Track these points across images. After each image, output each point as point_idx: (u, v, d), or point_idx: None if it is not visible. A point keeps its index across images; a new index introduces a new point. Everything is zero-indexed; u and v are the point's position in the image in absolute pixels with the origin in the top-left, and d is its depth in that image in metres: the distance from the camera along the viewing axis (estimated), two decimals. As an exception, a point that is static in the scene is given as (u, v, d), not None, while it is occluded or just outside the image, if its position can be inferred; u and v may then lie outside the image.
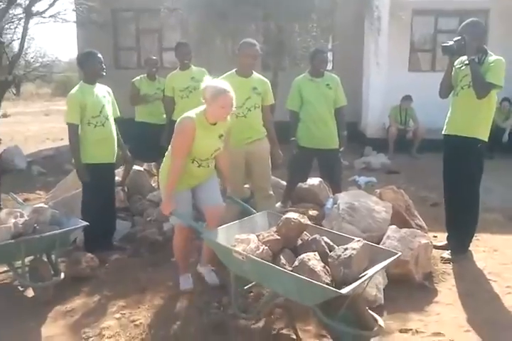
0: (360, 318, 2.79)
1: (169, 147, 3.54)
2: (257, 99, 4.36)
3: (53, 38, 74.55)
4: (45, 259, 3.91)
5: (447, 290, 3.76)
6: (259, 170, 4.50)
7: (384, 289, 3.54)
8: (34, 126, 15.22)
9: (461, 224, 4.29)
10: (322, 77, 5.15)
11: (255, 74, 4.46)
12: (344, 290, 2.51)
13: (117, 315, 3.48)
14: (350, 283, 2.64)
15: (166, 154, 3.61)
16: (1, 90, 9.68)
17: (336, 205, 4.39)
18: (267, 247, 2.95)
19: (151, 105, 6.20)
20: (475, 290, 3.74)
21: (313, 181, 5.45)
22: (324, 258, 2.85)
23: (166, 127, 5.82)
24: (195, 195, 3.70)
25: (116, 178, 5.58)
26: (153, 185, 6.40)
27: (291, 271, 2.78)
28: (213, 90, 3.30)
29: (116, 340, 3.18)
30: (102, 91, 4.49)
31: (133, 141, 6.10)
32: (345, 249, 2.80)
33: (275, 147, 4.61)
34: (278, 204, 5.16)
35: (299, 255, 2.87)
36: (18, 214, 4.02)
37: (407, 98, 9.37)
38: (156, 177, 6.60)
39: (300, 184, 5.39)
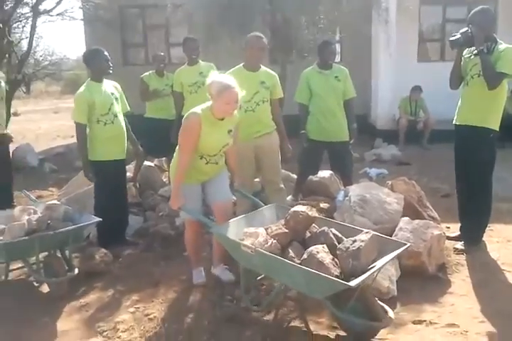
0: (370, 309, 2.80)
1: None
2: (266, 93, 4.35)
3: (61, 36, 74.85)
4: (59, 255, 3.95)
5: (461, 281, 3.74)
6: (269, 164, 4.49)
7: (397, 281, 3.53)
8: (44, 123, 15.34)
9: (474, 214, 4.25)
10: (330, 69, 5.13)
11: (263, 68, 4.44)
12: (353, 283, 2.51)
13: (131, 309, 3.51)
14: (359, 275, 2.65)
15: (176, 150, 3.62)
16: (12, 89, 9.75)
17: (347, 198, 4.37)
18: (275, 241, 2.96)
19: (161, 101, 6.22)
20: (489, 281, 3.71)
21: (324, 174, 5.44)
22: (333, 250, 2.86)
23: (176, 123, 5.82)
24: (204, 190, 3.70)
25: (128, 174, 5.62)
26: (164, 180, 6.43)
27: (300, 263, 2.79)
28: (219, 86, 3.29)
29: (130, 334, 3.21)
30: (110, 88, 4.50)
31: (143, 136, 6.12)
32: (354, 241, 2.81)
33: (284, 141, 4.60)
34: (289, 198, 5.15)
35: (308, 248, 2.88)
36: (32, 211, 4.08)
37: (417, 89, 9.29)
38: (167, 172, 6.62)
39: (311, 177, 5.38)
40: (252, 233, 3.08)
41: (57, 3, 10.27)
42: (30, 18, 10.07)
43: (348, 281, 2.59)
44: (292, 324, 3.20)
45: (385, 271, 3.40)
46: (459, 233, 4.44)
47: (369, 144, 9.04)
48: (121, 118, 4.54)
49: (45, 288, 3.96)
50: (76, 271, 3.86)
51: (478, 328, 3.09)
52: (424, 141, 9.14)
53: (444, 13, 10.61)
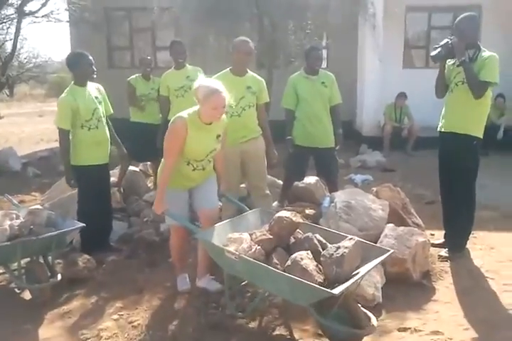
0: (353, 316, 2.80)
1: None
2: (252, 98, 4.35)
3: (46, 38, 74.29)
4: (42, 261, 3.90)
5: (445, 288, 3.76)
6: (254, 169, 4.48)
7: (382, 288, 3.54)
8: (28, 127, 15.17)
9: (458, 221, 4.28)
10: (317, 74, 5.14)
11: (250, 73, 4.44)
12: (336, 291, 2.52)
13: (115, 316, 3.47)
14: (343, 282, 2.67)
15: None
16: (-5, 91, 9.66)
17: (332, 204, 4.38)
18: (259, 247, 2.96)
19: (146, 105, 6.18)
20: (473, 288, 3.74)
21: (310, 180, 5.44)
22: (317, 256, 2.86)
23: (162, 127, 5.80)
24: (191, 196, 3.68)
25: (112, 179, 5.57)
26: (149, 185, 6.38)
27: (284, 270, 2.78)
28: (206, 90, 3.27)
29: (114, 341, 3.17)
30: (93, 92, 4.45)
31: (128, 141, 6.08)
32: (338, 248, 2.82)
33: (270, 146, 4.60)
34: (275, 204, 5.14)
35: (292, 254, 2.88)
36: (14, 215, 4.03)
37: (402, 95, 9.37)
38: (152, 177, 6.58)
39: (296, 183, 5.38)
40: (236, 238, 3.07)
41: (43, 5, 10.23)
42: (15, 20, 9.99)
43: (331, 288, 2.60)
44: (277, 331, 3.19)
45: (370, 278, 3.42)
46: (443, 240, 4.48)
47: (354, 150, 9.08)
48: (104, 122, 4.50)
49: (27, 295, 3.90)
50: (59, 277, 3.81)
51: (463, 336, 3.10)
52: (409, 147, 9.21)
53: (430, 20, 10.73)
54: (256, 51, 5.05)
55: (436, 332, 3.12)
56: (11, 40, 10.76)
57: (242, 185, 4.92)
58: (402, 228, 4.04)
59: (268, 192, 4.63)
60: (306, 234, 3.07)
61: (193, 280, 3.84)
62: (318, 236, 3.08)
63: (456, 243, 4.31)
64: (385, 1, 9.21)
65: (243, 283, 3.46)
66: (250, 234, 3.12)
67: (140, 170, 6.57)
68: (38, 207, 4.29)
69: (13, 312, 3.66)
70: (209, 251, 3.29)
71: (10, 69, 10.94)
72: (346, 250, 2.77)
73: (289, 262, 2.81)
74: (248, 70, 4.43)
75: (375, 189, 4.77)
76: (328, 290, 2.53)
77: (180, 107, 5.51)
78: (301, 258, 2.77)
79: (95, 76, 4.42)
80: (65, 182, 5.57)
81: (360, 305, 2.95)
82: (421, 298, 3.59)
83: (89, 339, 3.22)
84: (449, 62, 4.21)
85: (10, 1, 9.73)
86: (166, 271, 4.11)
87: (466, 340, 3.05)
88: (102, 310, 3.59)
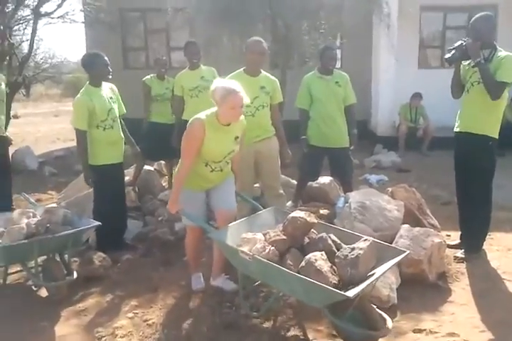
0: (369, 318, 2.78)
1: None
2: (266, 98, 4.35)
3: (62, 39, 74.91)
4: (58, 259, 3.93)
5: (461, 289, 3.73)
6: (268, 169, 4.49)
7: (397, 289, 3.51)
8: (44, 126, 15.32)
9: (475, 222, 4.24)
10: (331, 74, 5.13)
11: (263, 73, 4.45)
12: (350, 293, 2.49)
13: (130, 315, 3.49)
14: (358, 283, 2.64)
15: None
16: (12, 91, 9.73)
17: (347, 204, 4.37)
18: (273, 247, 2.94)
19: (161, 105, 6.22)
20: (489, 290, 3.70)
21: (324, 180, 5.43)
22: (331, 257, 2.84)
23: (176, 127, 5.83)
24: (209, 195, 3.68)
25: (127, 178, 5.61)
26: (163, 184, 6.42)
27: (298, 271, 2.76)
28: (223, 91, 3.27)
29: (129, 339, 3.20)
30: (108, 92, 4.48)
31: (143, 140, 6.13)
32: (352, 249, 2.79)
33: (284, 146, 4.60)
34: (289, 204, 5.14)
35: (306, 254, 2.86)
36: (31, 214, 4.07)
37: (417, 95, 9.30)
38: (166, 176, 6.62)
39: (310, 183, 5.37)
40: (250, 239, 3.06)
41: (59, 6, 10.25)
42: (31, 21, 10.05)
43: (346, 290, 2.58)
44: (291, 332, 3.18)
45: (385, 279, 3.40)
46: (459, 241, 4.44)
47: (369, 150, 9.04)
48: (118, 121, 4.53)
49: (43, 292, 3.94)
50: (75, 275, 3.84)
51: (479, 338, 3.07)
52: (424, 147, 9.14)
53: (445, 20, 10.63)
54: (269, 51, 5.05)
55: (452, 334, 3.10)
56: (27, 40, 10.81)
57: (256, 185, 4.92)
58: (417, 229, 4.01)
59: (282, 191, 4.63)
60: (321, 235, 3.05)
61: (207, 279, 3.85)
62: (332, 236, 3.06)
63: (472, 244, 4.27)
64: (399, 1, 9.14)
65: (257, 283, 3.46)
66: (264, 234, 3.11)
67: (155, 169, 6.60)
68: (55, 205, 4.33)
69: (30, 309, 3.70)
70: (223, 251, 3.30)
71: (26, 70, 10.98)
72: (361, 251, 2.74)
73: (303, 263, 2.79)
74: (262, 70, 4.44)
75: (390, 189, 4.75)
76: (343, 292, 2.51)
77: (195, 107, 5.59)
78: (316, 259, 2.75)
79: (111, 76, 4.45)
80: (81, 180, 5.63)
81: (375, 307, 2.93)
82: (437, 300, 3.56)
83: (104, 337, 3.24)
84: (465, 62, 4.17)
85: (26, 3, 9.80)
86: (180, 270, 4.12)
87: (483, 342, 3.03)
88: (117, 309, 3.61)
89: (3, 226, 3.91)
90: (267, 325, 3.27)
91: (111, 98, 4.48)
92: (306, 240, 3.10)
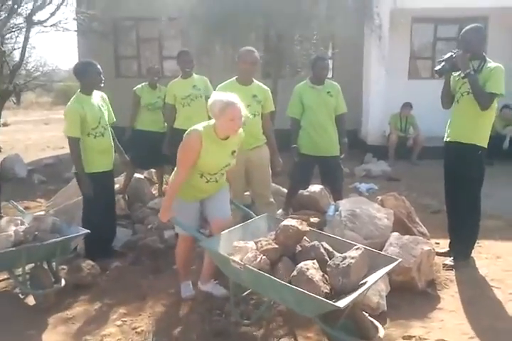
0: (360, 326, 2.77)
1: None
2: (257, 106, 4.38)
3: (54, 47, 74.86)
4: (46, 267, 3.90)
5: (450, 297, 3.74)
6: (259, 178, 4.50)
7: (386, 296, 3.52)
8: (34, 134, 15.26)
9: (464, 230, 4.27)
10: (323, 84, 5.16)
11: (255, 82, 4.48)
12: (341, 304, 2.48)
13: (118, 322, 3.47)
14: (349, 292, 2.63)
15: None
16: (2, 99, 9.72)
17: (337, 212, 4.37)
18: (264, 257, 2.92)
19: (152, 114, 6.22)
20: (478, 297, 3.72)
21: (315, 188, 5.45)
22: (323, 265, 2.83)
23: (167, 135, 5.83)
24: (204, 205, 3.65)
25: (117, 186, 5.59)
26: (153, 192, 6.40)
27: (290, 280, 2.75)
28: (221, 103, 3.25)
29: (117, 348, 3.17)
30: (98, 100, 4.47)
31: (134, 149, 6.13)
32: (344, 258, 2.77)
33: (275, 154, 4.62)
34: (279, 212, 5.15)
35: (298, 263, 2.84)
36: (19, 221, 4.04)
37: (407, 105, 9.39)
38: (156, 184, 6.60)
39: (301, 191, 5.38)
40: (242, 247, 3.04)
41: (52, 14, 10.24)
42: (24, 29, 10.05)
43: (338, 299, 2.58)
44: (281, 339, 3.17)
45: (374, 287, 3.39)
46: (448, 249, 4.46)
47: (359, 159, 9.08)
48: (109, 129, 4.53)
49: (30, 300, 3.90)
50: (63, 283, 3.81)
51: (468, 344, 3.09)
52: (414, 157, 9.20)
53: (436, 32, 10.76)
54: (261, 61, 5.08)
55: (441, 341, 3.11)
56: (19, 48, 10.80)
57: (247, 193, 4.92)
58: (407, 237, 4.03)
59: (272, 200, 4.64)
60: (313, 243, 3.03)
61: (197, 287, 3.84)
62: (325, 244, 3.04)
63: (461, 252, 4.30)
64: (391, 12, 9.25)
65: (248, 292, 3.44)
66: (256, 242, 3.09)
67: (145, 177, 6.58)
68: (43, 213, 4.30)
69: (16, 317, 3.65)
70: (214, 260, 3.27)
71: (17, 78, 10.96)
72: (353, 260, 2.72)
73: (294, 272, 2.77)
74: (254, 79, 4.46)
75: (380, 198, 4.77)
76: (334, 303, 2.49)
77: (187, 116, 5.64)
78: (307, 268, 2.73)
79: (103, 85, 4.45)
80: (70, 188, 5.62)
81: (367, 315, 2.92)
82: (426, 307, 3.57)
83: (92, 345, 3.22)
84: (455, 73, 4.22)
85: (19, 11, 9.81)
86: (169, 278, 4.10)
87: (471, 349, 3.04)
88: (106, 316, 3.58)
89: (-10, 234, 3.88)
90: (256, 332, 3.25)
91: (101, 106, 4.48)
92: (299, 248, 3.08)
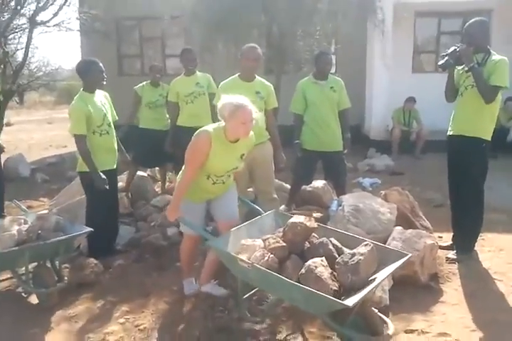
0: (369, 323, 2.74)
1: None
2: (261, 103, 4.36)
3: (57, 47, 75.09)
4: (49, 265, 3.91)
5: (453, 290, 3.73)
6: (262, 174, 4.49)
7: (389, 290, 3.50)
8: (37, 134, 15.31)
9: (467, 223, 4.25)
10: (326, 79, 5.14)
11: (258, 79, 4.47)
12: (350, 302, 2.44)
13: (121, 320, 3.47)
14: (359, 289, 2.59)
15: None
16: (5, 99, 9.75)
17: (340, 207, 4.37)
18: (272, 255, 2.88)
19: (154, 112, 6.21)
20: (481, 290, 3.71)
21: (317, 184, 5.44)
22: (332, 262, 2.79)
23: (170, 132, 5.84)
24: (211, 205, 3.62)
25: (120, 184, 5.60)
26: (156, 190, 6.41)
27: (298, 278, 2.72)
28: (231, 106, 3.19)
29: (120, 345, 3.18)
30: (101, 99, 4.48)
31: (137, 147, 6.13)
32: (353, 255, 2.72)
33: (278, 150, 4.61)
34: (282, 207, 5.14)
35: (307, 260, 2.81)
36: (22, 221, 4.04)
37: (411, 99, 9.34)
38: (159, 182, 6.61)
39: (304, 186, 5.37)
40: (249, 245, 3.00)
41: (54, 15, 10.27)
42: (27, 29, 10.08)
43: (347, 296, 2.55)
44: (284, 334, 3.17)
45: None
46: (451, 242, 4.45)
47: (362, 154, 9.05)
48: (113, 127, 4.53)
49: (34, 299, 3.90)
50: (66, 281, 3.82)
51: (470, 337, 3.08)
52: (417, 151, 9.16)
53: (439, 25, 10.69)
54: (264, 57, 5.07)
55: (443, 334, 3.10)
56: (22, 49, 10.84)
57: (250, 189, 4.92)
58: (410, 231, 4.02)
59: (275, 196, 4.63)
60: (321, 239, 2.98)
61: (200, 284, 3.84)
62: (333, 240, 2.99)
63: (464, 245, 4.29)
64: (394, 7, 9.20)
65: (253, 291, 3.38)
66: (264, 240, 3.04)
67: (148, 175, 6.59)
68: (46, 212, 4.31)
69: (20, 316, 3.66)
70: (222, 259, 3.21)
71: (20, 78, 10.99)
72: (362, 257, 2.67)
73: (302, 270, 2.73)
74: (256, 76, 4.45)
75: (383, 192, 4.75)
76: (343, 302, 2.46)
77: (190, 113, 5.64)
78: (316, 266, 2.69)
79: (105, 83, 4.45)
80: (73, 187, 5.63)
81: (376, 311, 2.90)
82: (428, 300, 3.56)
83: (95, 342, 3.22)
84: (459, 67, 4.20)
85: (22, 12, 9.83)
86: (173, 275, 4.10)
87: (474, 342, 3.02)
88: (109, 314, 3.59)
89: (-6, 234, 3.89)
90: (259, 328, 3.24)
91: (104, 104, 4.48)
92: (307, 245, 3.03)
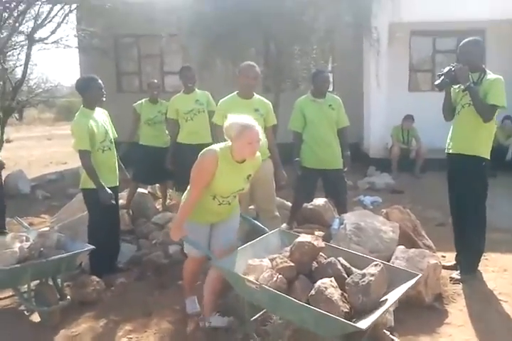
0: None
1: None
2: (260, 120, 4.35)
3: (55, 64, 75.36)
4: (51, 283, 3.88)
5: (458, 311, 3.71)
6: (263, 192, 4.50)
7: (394, 311, 3.48)
8: (37, 150, 15.28)
9: (470, 243, 4.24)
10: (324, 97, 5.18)
11: (257, 96, 4.51)
12: (363, 325, 2.41)
13: (124, 340, 3.45)
14: (370, 311, 2.56)
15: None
16: (5, 116, 9.77)
17: (342, 226, 4.36)
18: (281, 276, 2.83)
19: (154, 129, 6.23)
20: (486, 311, 3.69)
21: (318, 201, 5.43)
22: (341, 282, 2.75)
23: (170, 149, 5.85)
24: (211, 229, 3.55)
25: (121, 201, 5.59)
26: (157, 207, 6.39)
27: (307, 300, 2.68)
28: (238, 126, 3.16)
29: (123, 365, 3.15)
30: (101, 116, 4.50)
31: (137, 164, 6.14)
32: (363, 275, 2.69)
33: (279, 168, 4.62)
34: (284, 226, 5.13)
35: (315, 280, 2.77)
36: (24, 238, 4.03)
37: (409, 118, 9.40)
38: (160, 199, 6.60)
39: (305, 204, 5.37)
40: (256, 266, 2.95)
41: (53, 32, 10.37)
42: (25, 46, 10.14)
43: (358, 318, 2.52)
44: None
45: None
46: (454, 262, 4.43)
47: (362, 172, 9.06)
48: (114, 144, 4.55)
49: (36, 318, 3.87)
50: (68, 299, 3.79)
51: (478, 359, 3.06)
52: (417, 169, 9.17)
53: (434, 44, 10.83)
54: (262, 75, 5.11)
55: (451, 356, 3.08)
56: (21, 65, 10.89)
57: (251, 207, 4.92)
58: (413, 250, 4.01)
59: (277, 214, 4.64)
60: (329, 259, 2.94)
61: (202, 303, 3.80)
62: (341, 259, 2.96)
63: (468, 265, 4.27)
64: (389, 26, 9.32)
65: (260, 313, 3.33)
66: (271, 260, 3.00)
67: (149, 192, 6.59)
68: (48, 229, 4.29)
69: (22, 335, 3.63)
70: (228, 279, 3.14)
71: (20, 94, 11.02)
72: (372, 278, 2.64)
73: (312, 291, 2.68)
74: (254, 93, 4.49)
75: (384, 211, 4.75)
76: (355, 324, 2.42)
77: (190, 130, 5.66)
78: (326, 287, 2.65)
79: (104, 99, 4.47)
80: (74, 204, 5.61)
81: (388, 333, 2.86)
82: (433, 321, 3.54)
83: (98, 362, 3.20)
84: (455, 85, 4.24)
85: (20, 29, 9.92)
86: (175, 294, 4.08)
87: (481, 364, 3.01)
88: (112, 333, 3.56)
89: (-4, 251, 3.86)
90: (262, 348, 3.22)
91: (105, 121, 4.50)
92: (315, 265, 2.99)
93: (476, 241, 4.23)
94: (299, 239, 3.03)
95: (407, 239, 4.41)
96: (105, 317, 3.80)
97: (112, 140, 4.51)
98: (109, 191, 4.25)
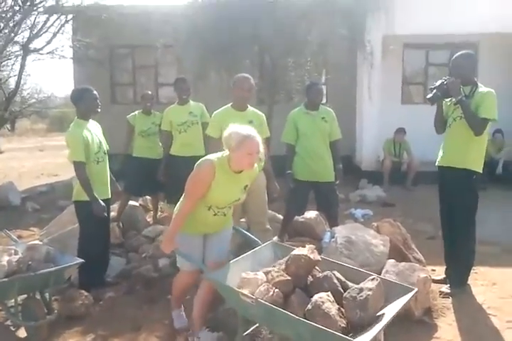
0: None
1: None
2: (255, 132, 4.39)
3: (49, 74, 75.48)
4: (39, 297, 3.83)
5: (447, 325, 3.70)
6: (255, 204, 4.49)
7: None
8: (29, 161, 15.18)
9: (459, 256, 4.25)
10: (318, 110, 5.20)
11: (250, 108, 4.52)
12: None
13: (112, 355, 3.40)
14: (367, 326, 2.54)
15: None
16: (-3, 126, 9.74)
17: (333, 239, 4.36)
18: (277, 290, 2.80)
19: (147, 140, 6.23)
20: (475, 326, 3.68)
21: (310, 214, 5.42)
22: (337, 296, 2.74)
23: (163, 161, 5.85)
24: (204, 242, 3.52)
25: (112, 214, 5.56)
26: (148, 220, 6.36)
27: (304, 314, 2.65)
28: (238, 136, 3.13)
29: (110, 381, 3.11)
30: (95, 127, 4.49)
31: (129, 176, 6.12)
32: (361, 290, 2.66)
33: (271, 180, 4.62)
34: (275, 239, 5.11)
35: (311, 294, 2.75)
36: (13, 251, 3.98)
37: (401, 131, 9.43)
38: (151, 212, 6.57)
39: (296, 217, 5.36)
40: (251, 279, 2.91)
41: (48, 42, 10.41)
42: (20, 56, 10.15)
43: (354, 333, 2.51)
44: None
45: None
46: (444, 276, 4.43)
47: (354, 185, 9.06)
48: (107, 156, 4.53)
49: (22, 333, 3.82)
50: (56, 314, 3.75)
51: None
52: (409, 182, 9.19)
53: (427, 57, 10.92)
54: (256, 87, 5.13)
55: (441, 371, 3.06)
56: (14, 76, 10.93)
57: (242, 220, 4.90)
58: (403, 264, 4.00)
59: (269, 226, 4.63)
60: (325, 273, 2.92)
61: (190, 316, 3.76)
62: (336, 273, 2.94)
63: (457, 279, 4.27)
64: (383, 39, 9.40)
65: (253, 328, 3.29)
66: (266, 273, 2.96)
67: (140, 204, 6.55)
68: (37, 242, 4.25)
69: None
70: (221, 292, 3.11)
71: (13, 105, 11.02)
72: (370, 292, 2.61)
73: (309, 306, 2.66)
74: (248, 105, 4.50)
75: (375, 224, 4.75)
76: (354, 340, 2.39)
77: (183, 142, 5.67)
78: (323, 302, 2.62)
79: (99, 110, 4.47)
80: (64, 216, 5.56)
81: None
82: (423, 336, 3.53)
83: (85, 378, 3.16)
84: (447, 99, 4.26)
85: (16, 39, 9.94)
86: (164, 308, 4.04)
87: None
88: (100, 349, 3.52)
89: (-17, 264, 3.82)
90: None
91: (98, 133, 4.49)
92: (310, 279, 2.97)
93: (466, 254, 4.24)
94: (294, 252, 3.00)
95: (398, 253, 4.40)
96: (93, 332, 3.75)
97: (106, 151, 4.50)
98: (103, 203, 4.23)
